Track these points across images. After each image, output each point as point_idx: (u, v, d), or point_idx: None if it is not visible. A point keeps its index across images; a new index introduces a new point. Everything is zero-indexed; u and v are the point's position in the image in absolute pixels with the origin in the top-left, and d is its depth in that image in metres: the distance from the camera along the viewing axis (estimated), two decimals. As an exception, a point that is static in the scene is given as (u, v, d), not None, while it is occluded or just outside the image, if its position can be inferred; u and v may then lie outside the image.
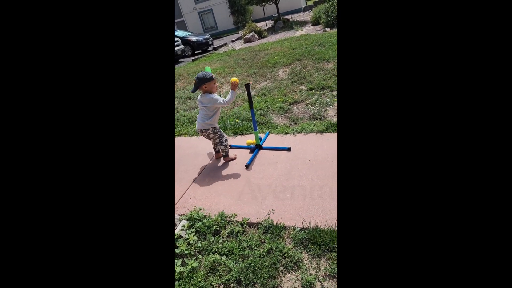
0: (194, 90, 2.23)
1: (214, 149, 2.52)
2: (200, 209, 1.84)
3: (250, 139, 2.67)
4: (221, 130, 2.35)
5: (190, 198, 2.02)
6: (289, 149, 2.35)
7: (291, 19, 13.90)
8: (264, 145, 2.51)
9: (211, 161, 2.49)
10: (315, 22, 10.81)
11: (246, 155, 2.45)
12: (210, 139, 2.35)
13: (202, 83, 2.13)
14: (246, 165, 2.24)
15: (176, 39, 9.94)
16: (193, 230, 1.66)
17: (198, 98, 2.23)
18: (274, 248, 1.43)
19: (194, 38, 11.04)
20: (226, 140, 2.34)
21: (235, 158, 2.44)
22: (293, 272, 1.32)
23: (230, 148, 2.61)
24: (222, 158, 2.48)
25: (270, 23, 14.45)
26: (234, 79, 2.17)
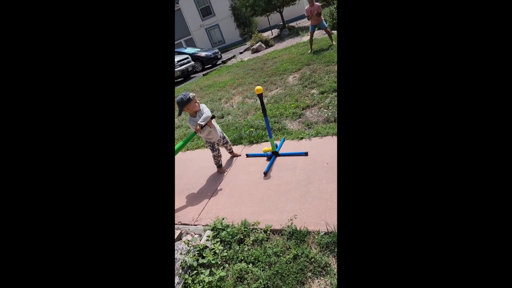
0: (179, 114, 2.23)
1: (228, 152, 2.72)
2: (223, 219, 1.86)
3: (266, 146, 2.69)
4: (214, 146, 2.43)
5: (212, 208, 2.06)
6: (306, 154, 2.35)
7: (296, 26, 14.03)
8: (280, 152, 2.53)
9: (229, 171, 2.53)
10: (321, 26, 10.86)
11: (263, 163, 2.47)
12: None
13: (183, 106, 2.14)
14: (264, 173, 2.26)
15: (186, 56, 10.30)
16: (218, 239, 1.68)
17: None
18: (300, 254, 1.42)
19: (203, 54, 11.39)
20: (216, 156, 2.47)
21: (223, 172, 2.52)
22: (321, 277, 1.30)
23: (247, 157, 2.67)
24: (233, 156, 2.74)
25: (276, 31, 14.65)
26: (258, 87, 2.21)
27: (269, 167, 2.34)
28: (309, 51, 6.48)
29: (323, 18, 6.30)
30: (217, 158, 2.49)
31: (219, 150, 2.49)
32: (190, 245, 1.68)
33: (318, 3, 6.11)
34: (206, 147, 3.12)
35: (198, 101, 2.25)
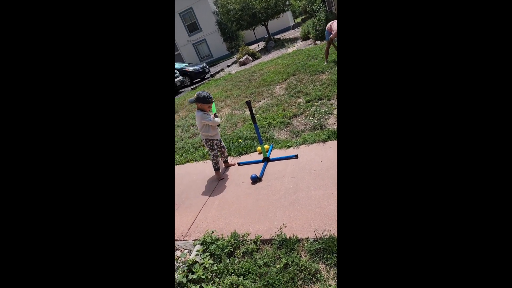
0: (192, 101, 2.38)
1: (223, 161, 2.76)
2: (213, 232, 1.84)
3: (259, 149, 2.81)
4: (213, 145, 2.50)
5: (202, 222, 2.03)
6: (296, 157, 2.42)
7: (281, 38, 14.42)
8: (271, 157, 2.56)
9: (218, 183, 2.52)
10: (305, 37, 11.17)
11: (253, 173, 2.47)
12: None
13: (199, 101, 2.35)
14: (259, 178, 2.32)
15: (174, 71, 10.37)
16: (208, 253, 1.66)
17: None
18: (290, 263, 1.42)
19: (191, 68, 11.49)
20: (215, 156, 2.52)
21: (222, 179, 2.55)
22: (312, 285, 1.30)
23: (239, 165, 2.70)
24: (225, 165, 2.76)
25: (262, 44, 14.99)
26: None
27: (263, 172, 2.39)
28: (325, 62, 5.48)
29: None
30: (216, 158, 2.55)
31: (217, 150, 2.56)
32: (179, 261, 1.64)
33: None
34: (204, 147, 3.18)
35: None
